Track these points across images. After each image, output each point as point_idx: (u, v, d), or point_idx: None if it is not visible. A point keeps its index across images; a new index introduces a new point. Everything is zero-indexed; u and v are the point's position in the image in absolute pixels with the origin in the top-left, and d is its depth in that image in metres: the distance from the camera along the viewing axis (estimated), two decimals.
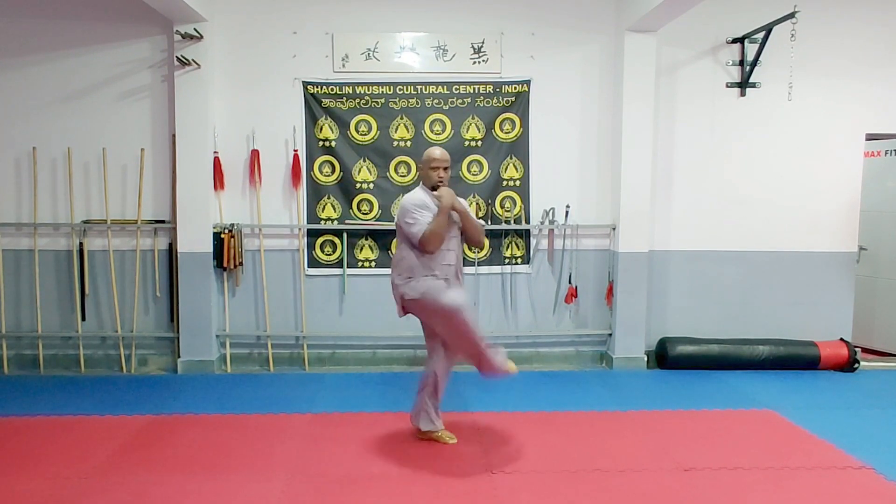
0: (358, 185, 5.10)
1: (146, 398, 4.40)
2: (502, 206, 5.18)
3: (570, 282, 5.22)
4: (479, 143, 5.14)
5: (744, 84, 5.18)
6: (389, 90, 5.06)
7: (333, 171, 5.09)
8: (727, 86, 5.22)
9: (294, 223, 5.10)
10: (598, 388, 4.71)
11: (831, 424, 3.93)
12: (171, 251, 5.04)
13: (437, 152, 3.51)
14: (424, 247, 3.34)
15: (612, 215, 5.20)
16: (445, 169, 3.49)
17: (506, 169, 5.17)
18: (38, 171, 4.96)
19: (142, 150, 4.96)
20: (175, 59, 4.76)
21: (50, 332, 5.05)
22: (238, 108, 5.02)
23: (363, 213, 5.11)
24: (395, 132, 5.09)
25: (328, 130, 5.03)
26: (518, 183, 5.19)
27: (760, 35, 5.00)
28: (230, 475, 3.24)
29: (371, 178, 5.10)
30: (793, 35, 4.62)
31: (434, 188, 3.49)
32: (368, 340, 5.21)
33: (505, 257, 5.23)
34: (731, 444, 3.64)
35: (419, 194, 3.51)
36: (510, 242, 5.23)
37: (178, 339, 5.02)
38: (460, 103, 5.10)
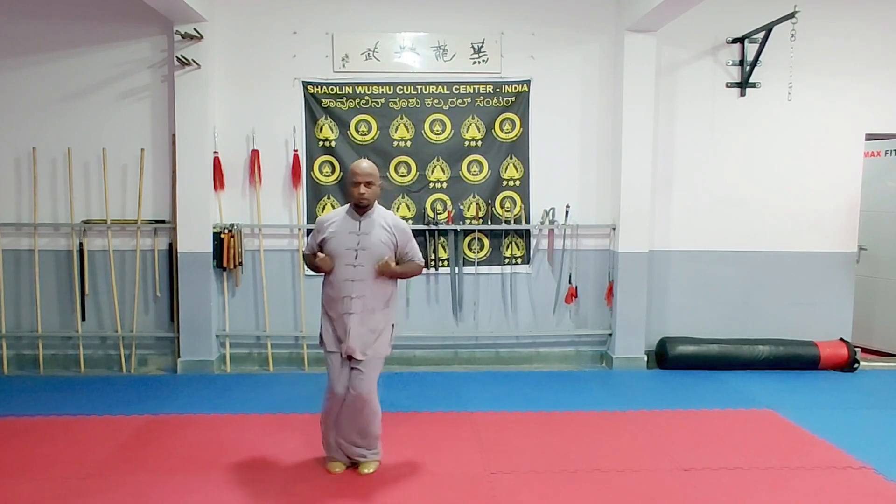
0: None
1: (146, 398, 4.40)
2: (502, 206, 5.18)
3: (570, 282, 5.22)
4: (479, 143, 5.13)
5: (744, 84, 5.18)
6: (389, 90, 5.06)
7: (333, 171, 5.09)
8: (727, 86, 5.22)
9: (294, 223, 5.10)
10: (598, 388, 4.71)
11: (831, 424, 3.93)
12: (171, 251, 5.03)
13: (360, 165, 3.13)
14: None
15: (612, 215, 5.19)
16: (367, 184, 3.09)
17: (506, 169, 5.17)
18: (38, 171, 4.96)
19: (142, 150, 4.96)
20: (175, 59, 4.76)
21: (50, 332, 5.05)
22: (238, 108, 5.02)
23: None
24: (395, 132, 5.09)
25: (328, 130, 5.03)
26: (518, 183, 5.19)
27: (760, 35, 4.99)
28: (230, 475, 3.24)
29: None
30: (793, 35, 4.62)
31: (356, 206, 3.15)
32: None
33: (505, 257, 5.23)
34: (731, 444, 3.64)
35: (334, 212, 3.25)
36: (510, 242, 5.23)
37: (177, 339, 5.02)
38: (460, 103, 5.10)
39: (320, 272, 3.19)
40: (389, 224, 3.19)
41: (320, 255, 3.17)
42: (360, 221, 3.16)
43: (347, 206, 3.24)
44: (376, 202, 3.23)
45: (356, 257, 3.11)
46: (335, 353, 3.18)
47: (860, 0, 5.19)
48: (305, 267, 5.03)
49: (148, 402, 4.30)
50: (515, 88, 5.11)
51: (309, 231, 5.08)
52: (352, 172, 3.13)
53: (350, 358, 3.16)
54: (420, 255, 3.31)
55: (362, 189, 3.10)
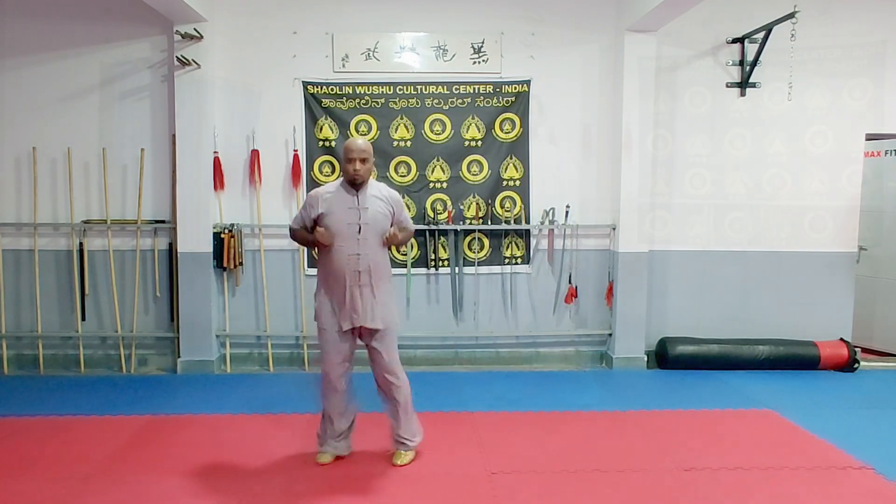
0: None
1: (146, 398, 4.41)
2: (502, 206, 5.18)
3: (570, 282, 5.22)
4: (479, 143, 5.13)
5: (744, 84, 5.18)
6: (389, 90, 5.06)
7: (333, 171, 5.09)
8: (727, 86, 5.22)
9: None
10: (598, 388, 4.71)
11: (831, 424, 3.93)
12: (171, 251, 5.03)
13: (355, 142, 3.16)
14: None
15: (612, 215, 5.19)
16: (363, 161, 3.13)
17: (506, 169, 5.17)
18: (38, 171, 4.96)
19: (142, 150, 4.96)
20: (175, 59, 4.76)
21: (50, 332, 5.05)
22: (238, 108, 5.02)
23: None
24: (395, 132, 5.09)
25: (328, 130, 5.03)
26: (518, 183, 5.19)
27: (760, 35, 4.99)
28: (230, 475, 3.24)
29: None
30: (793, 35, 4.62)
31: (351, 182, 3.17)
32: None
33: (505, 257, 5.23)
34: (731, 444, 3.64)
35: (326, 187, 3.28)
36: (510, 242, 5.23)
37: (177, 339, 5.02)
38: (460, 103, 5.10)
39: (309, 246, 3.18)
40: (385, 195, 3.26)
41: (319, 229, 3.16)
42: (357, 196, 3.18)
43: (339, 180, 3.26)
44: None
45: (359, 231, 3.14)
46: (332, 331, 3.20)
47: (860, 0, 5.19)
48: (305, 266, 5.07)
49: (148, 402, 4.30)
50: (515, 88, 5.11)
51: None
52: (346, 149, 3.15)
53: (360, 336, 3.23)
54: (411, 220, 3.45)
55: (357, 166, 3.12)
